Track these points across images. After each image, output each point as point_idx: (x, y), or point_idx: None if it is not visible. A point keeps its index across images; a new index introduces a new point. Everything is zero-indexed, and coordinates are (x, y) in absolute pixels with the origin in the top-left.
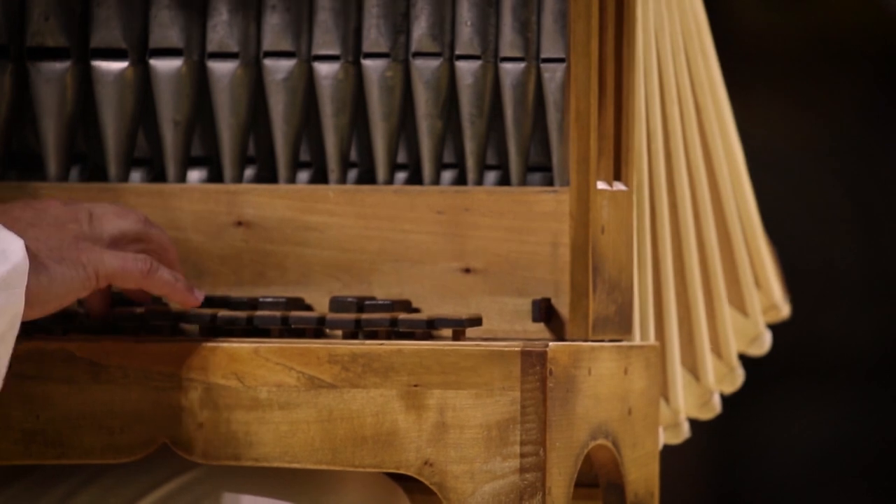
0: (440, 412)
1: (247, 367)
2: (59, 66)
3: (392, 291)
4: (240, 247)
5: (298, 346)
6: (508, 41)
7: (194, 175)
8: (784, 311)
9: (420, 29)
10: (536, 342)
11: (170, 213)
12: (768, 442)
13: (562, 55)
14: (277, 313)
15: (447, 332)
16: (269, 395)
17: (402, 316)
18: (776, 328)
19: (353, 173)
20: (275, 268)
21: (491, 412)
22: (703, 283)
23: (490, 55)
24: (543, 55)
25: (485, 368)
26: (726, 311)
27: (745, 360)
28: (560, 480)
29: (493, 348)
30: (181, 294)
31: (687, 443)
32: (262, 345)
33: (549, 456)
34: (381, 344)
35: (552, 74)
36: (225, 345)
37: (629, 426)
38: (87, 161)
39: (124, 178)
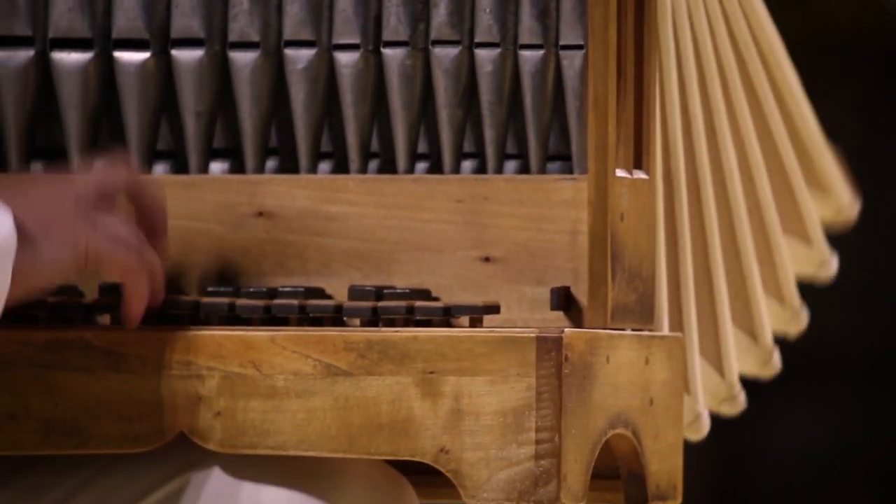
0: (455, 399)
1: (263, 355)
2: (82, 57)
3: (412, 281)
4: (261, 237)
5: (315, 333)
6: (527, 28)
7: (217, 166)
8: (854, 208)
9: (439, 17)
10: (553, 329)
11: (191, 203)
12: (768, 443)
13: (580, 42)
14: (295, 302)
15: (465, 320)
16: (285, 384)
17: (419, 303)
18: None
19: (374, 163)
20: (295, 258)
21: (506, 399)
22: (735, 272)
23: (509, 43)
24: (562, 42)
25: (500, 355)
26: (761, 300)
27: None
28: (576, 467)
29: (508, 334)
30: (135, 307)
31: (687, 443)
32: (279, 333)
33: (564, 443)
34: (397, 331)
35: (570, 61)
36: (241, 333)
37: (650, 417)
38: (112, 153)
39: (147, 169)
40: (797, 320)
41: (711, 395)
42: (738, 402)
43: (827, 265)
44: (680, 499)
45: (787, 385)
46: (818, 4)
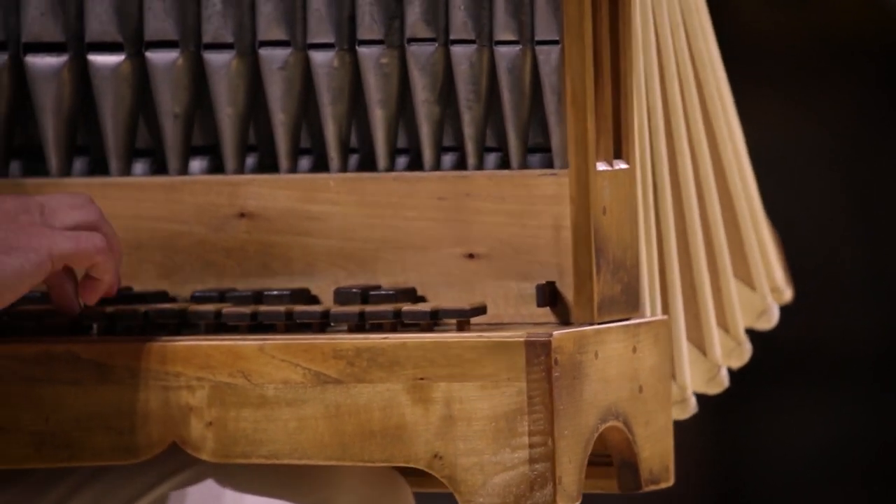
0: (447, 405)
1: (253, 364)
2: (56, 61)
3: (397, 279)
4: (243, 238)
5: (303, 342)
6: (502, 24)
7: (197, 164)
8: (786, 294)
9: (414, 14)
10: (541, 329)
11: (172, 205)
12: (768, 442)
13: (556, 37)
14: (282, 308)
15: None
16: (276, 393)
17: (406, 308)
18: (776, 328)
19: (354, 159)
20: (279, 259)
21: (498, 404)
22: (709, 258)
23: (485, 39)
24: (538, 37)
25: (489, 360)
26: (732, 286)
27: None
28: (570, 468)
29: (497, 339)
30: (106, 287)
31: (687, 442)
32: (268, 342)
33: (557, 445)
34: (385, 338)
35: (546, 57)
36: (230, 343)
37: (640, 404)
38: (89, 155)
39: (126, 172)
40: (740, 352)
41: None
42: (688, 407)
43: (768, 315)
44: (672, 480)
45: (786, 384)
46: (819, 4)
